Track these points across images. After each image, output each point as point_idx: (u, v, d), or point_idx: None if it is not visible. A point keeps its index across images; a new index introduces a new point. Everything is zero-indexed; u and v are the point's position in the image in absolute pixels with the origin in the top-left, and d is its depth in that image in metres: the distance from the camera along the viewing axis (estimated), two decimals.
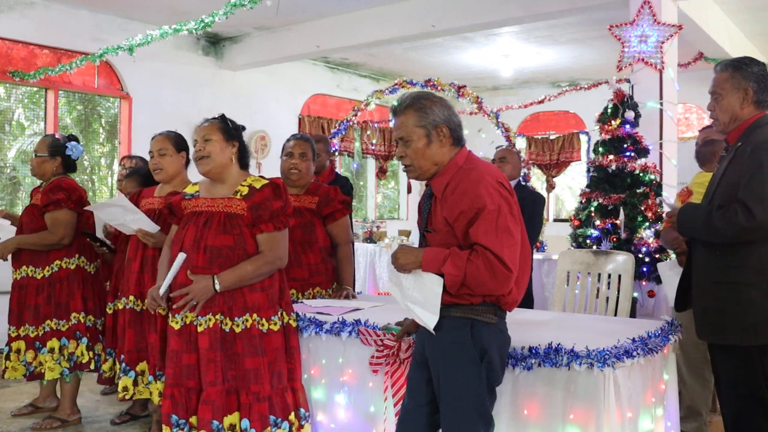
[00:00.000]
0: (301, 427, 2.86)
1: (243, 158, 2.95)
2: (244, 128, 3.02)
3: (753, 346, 2.56)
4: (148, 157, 3.64)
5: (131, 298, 3.42)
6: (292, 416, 2.82)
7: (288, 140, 3.63)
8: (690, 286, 2.77)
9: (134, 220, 3.37)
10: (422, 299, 2.21)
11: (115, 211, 3.41)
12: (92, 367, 3.96)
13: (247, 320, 2.76)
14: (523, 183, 6.03)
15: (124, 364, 3.39)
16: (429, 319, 2.20)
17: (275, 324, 2.82)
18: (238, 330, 2.75)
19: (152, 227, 3.38)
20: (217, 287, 2.71)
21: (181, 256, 2.78)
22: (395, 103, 2.35)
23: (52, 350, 3.87)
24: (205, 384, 2.72)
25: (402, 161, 2.33)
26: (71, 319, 3.90)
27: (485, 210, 2.12)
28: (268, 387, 2.76)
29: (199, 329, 2.74)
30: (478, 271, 2.09)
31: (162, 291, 2.81)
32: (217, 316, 2.74)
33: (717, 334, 2.62)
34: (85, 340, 3.93)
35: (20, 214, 4.13)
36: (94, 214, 4.07)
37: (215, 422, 2.69)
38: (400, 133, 2.30)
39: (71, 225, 3.91)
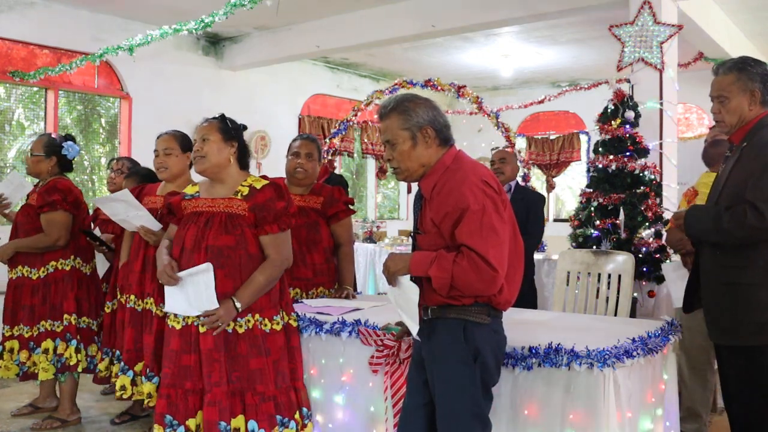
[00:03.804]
0: (304, 426, 2.86)
1: (243, 158, 2.93)
2: (245, 128, 2.99)
3: (762, 346, 2.55)
4: (142, 157, 3.60)
5: (132, 297, 3.43)
6: (297, 415, 2.82)
7: (294, 140, 3.65)
8: (698, 288, 2.76)
9: (137, 216, 3.36)
10: (406, 307, 2.24)
11: (118, 206, 3.38)
12: (80, 369, 3.94)
13: (249, 321, 2.76)
14: (522, 183, 6.01)
15: (122, 363, 3.39)
16: (411, 327, 2.25)
17: (278, 324, 2.83)
18: (241, 330, 2.74)
19: (155, 225, 3.37)
20: (238, 307, 2.70)
21: (209, 268, 2.66)
22: (381, 107, 2.35)
23: (46, 351, 3.86)
24: (210, 385, 2.70)
25: (390, 164, 2.34)
26: (63, 321, 3.89)
27: (469, 210, 2.12)
28: (273, 386, 2.76)
29: (201, 330, 2.73)
30: (464, 273, 2.09)
31: (207, 309, 2.67)
32: None
33: (728, 335, 2.61)
34: (74, 342, 3.90)
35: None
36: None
37: (222, 423, 2.67)
38: (386, 137, 2.31)
39: (66, 226, 3.89)
